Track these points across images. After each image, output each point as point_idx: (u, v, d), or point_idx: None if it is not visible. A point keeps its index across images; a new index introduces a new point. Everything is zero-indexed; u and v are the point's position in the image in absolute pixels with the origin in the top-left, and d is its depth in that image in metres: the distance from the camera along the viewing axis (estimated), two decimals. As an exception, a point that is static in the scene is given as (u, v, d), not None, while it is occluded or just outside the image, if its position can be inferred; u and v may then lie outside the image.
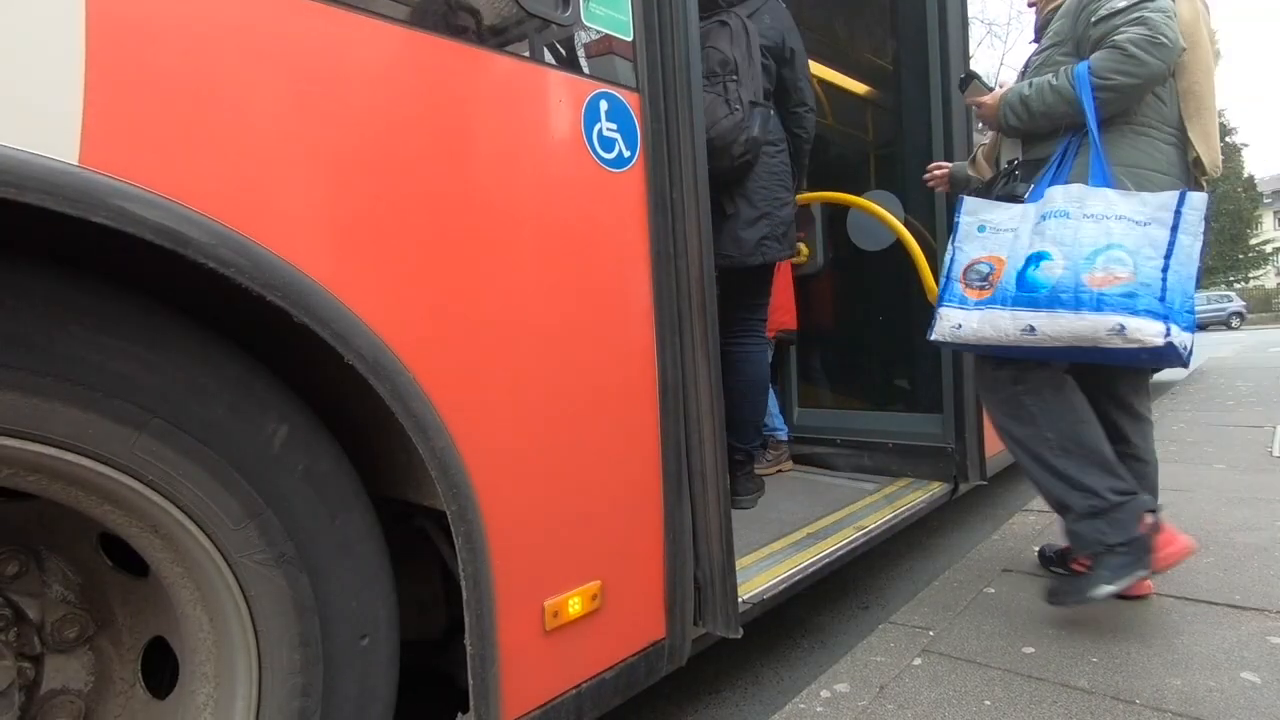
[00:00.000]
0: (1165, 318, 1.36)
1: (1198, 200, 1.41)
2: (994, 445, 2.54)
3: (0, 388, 0.66)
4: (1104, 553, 1.53)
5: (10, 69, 0.64)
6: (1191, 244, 1.41)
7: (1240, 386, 5.81)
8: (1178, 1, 1.56)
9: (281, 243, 0.80)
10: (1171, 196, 1.43)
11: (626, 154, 1.24)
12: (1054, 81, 1.59)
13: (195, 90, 0.75)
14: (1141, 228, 1.43)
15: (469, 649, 0.98)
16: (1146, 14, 1.46)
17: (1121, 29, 1.49)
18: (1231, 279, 28.91)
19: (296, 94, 0.83)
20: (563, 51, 1.15)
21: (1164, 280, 1.39)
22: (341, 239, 0.87)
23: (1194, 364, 7.74)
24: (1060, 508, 1.62)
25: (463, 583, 0.97)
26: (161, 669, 0.90)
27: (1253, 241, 29.14)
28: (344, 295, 0.85)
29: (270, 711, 0.84)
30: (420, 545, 1.14)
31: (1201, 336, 15.90)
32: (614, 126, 1.22)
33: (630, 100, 1.25)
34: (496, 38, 1.06)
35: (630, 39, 1.25)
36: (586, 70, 1.19)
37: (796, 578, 1.69)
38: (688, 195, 1.31)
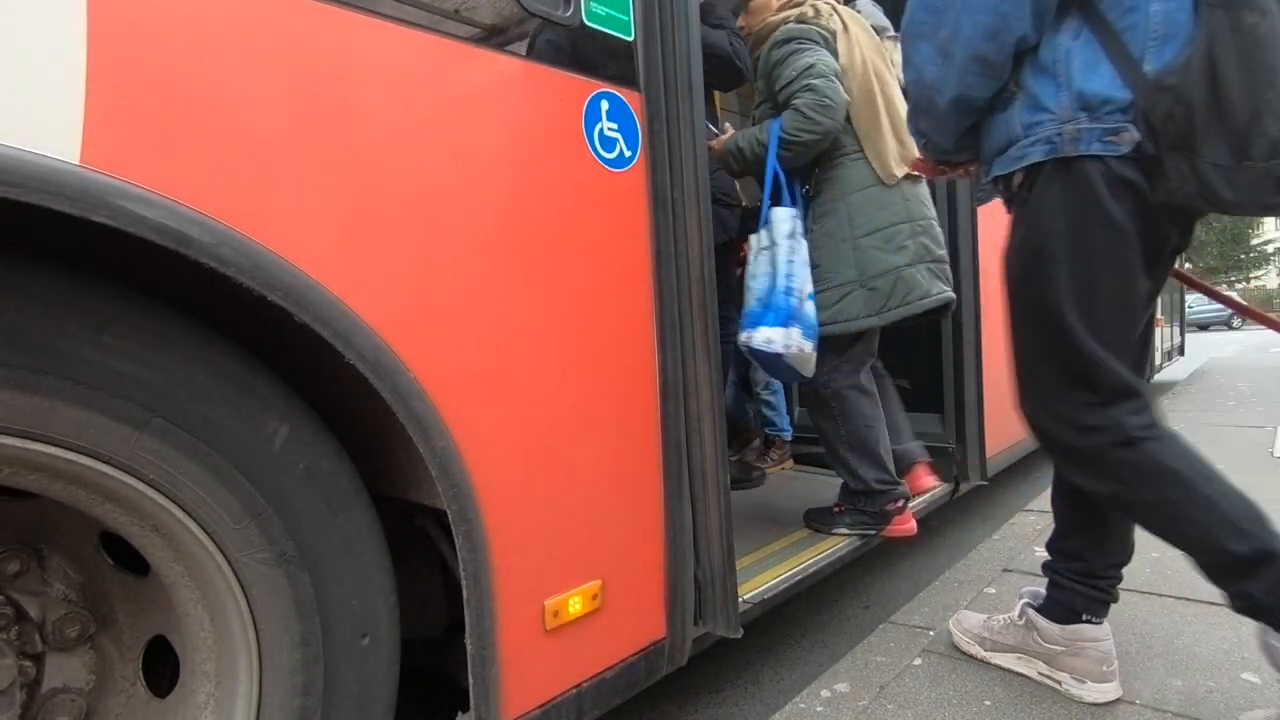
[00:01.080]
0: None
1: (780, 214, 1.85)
2: (995, 445, 2.55)
3: (1, 386, 0.66)
4: (854, 510, 2.01)
5: (11, 69, 0.64)
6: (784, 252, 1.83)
7: (1241, 387, 5.81)
8: (842, 47, 1.90)
9: (282, 242, 0.80)
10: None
11: (627, 154, 1.24)
12: (759, 135, 1.91)
13: (196, 90, 0.75)
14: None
15: (469, 648, 0.99)
16: (811, 82, 1.79)
17: (797, 95, 1.81)
18: (1233, 279, 28.88)
19: (297, 93, 0.83)
20: (564, 51, 1.15)
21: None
22: (342, 239, 0.87)
23: (1196, 364, 7.75)
24: (843, 476, 2.05)
25: (463, 582, 0.98)
26: (162, 668, 0.90)
27: (1254, 241, 29.12)
28: (345, 295, 0.85)
29: (271, 710, 0.85)
30: (421, 544, 1.14)
31: (1203, 336, 15.88)
32: (615, 126, 1.22)
33: (631, 100, 1.25)
34: (497, 37, 1.06)
35: (631, 39, 1.25)
36: (588, 70, 1.19)
37: (797, 578, 1.69)
38: (688, 195, 1.31)
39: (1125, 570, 1.38)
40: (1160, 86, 1.01)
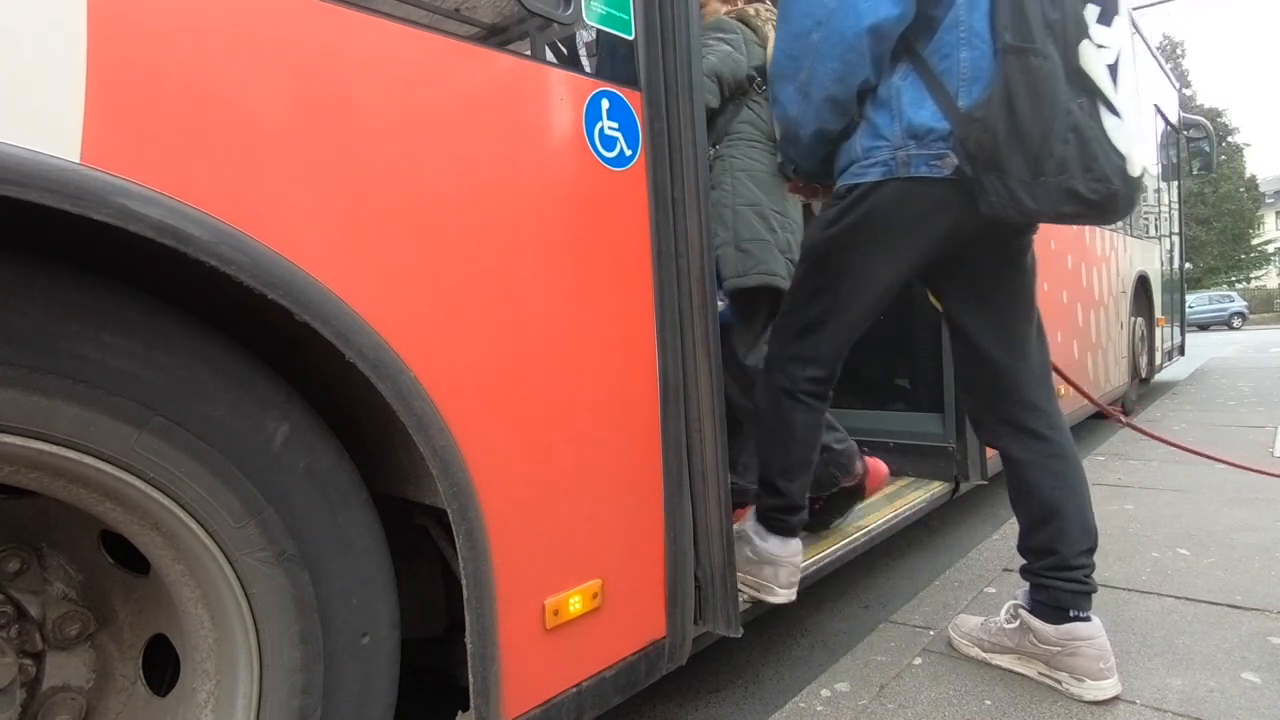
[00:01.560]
0: None
1: None
2: (995, 445, 2.54)
3: (2, 385, 0.66)
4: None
5: (12, 67, 0.64)
6: None
7: (1242, 387, 5.81)
8: (770, 43, 1.94)
9: (282, 240, 0.80)
10: None
11: (628, 152, 1.24)
12: None
13: (196, 88, 0.75)
14: None
15: (469, 647, 0.98)
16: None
17: None
18: (1233, 279, 28.81)
19: (298, 92, 0.83)
20: (564, 50, 1.15)
21: None
22: (342, 237, 0.87)
23: (1196, 364, 7.73)
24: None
25: (463, 581, 0.97)
26: (163, 666, 0.90)
27: (1254, 241, 29.04)
28: (345, 293, 0.85)
29: (271, 709, 0.84)
30: (421, 543, 1.14)
31: (1203, 337, 15.87)
32: (615, 125, 1.22)
33: (632, 99, 1.25)
34: (498, 36, 1.06)
35: (632, 37, 1.25)
36: (588, 69, 1.19)
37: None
38: (689, 193, 1.31)
39: (1125, 570, 1.40)
40: (971, 119, 1.22)
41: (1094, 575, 1.41)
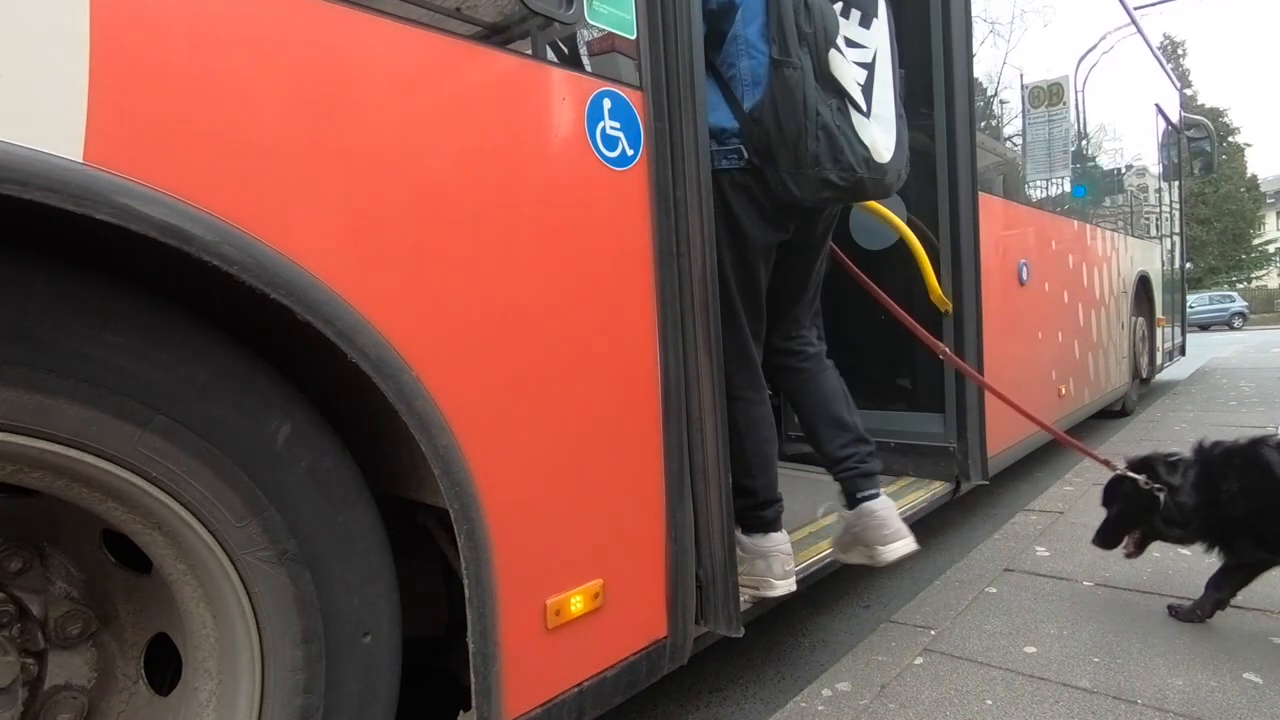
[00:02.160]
0: None
1: None
2: (996, 445, 2.54)
3: (3, 384, 0.66)
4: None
5: (14, 66, 0.64)
6: None
7: (1243, 387, 5.80)
8: None
9: (284, 240, 0.80)
10: None
11: (630, 152, 1.24)
12: None
13: (198, 88, 0.75)
14: None
15: (471, 647, 0.98)
16: None
17: None
18: (1234, 279, 28.76)
19: (300, 91, 0.83)
20: (566, 49, 1.15)
21: None
22: (344, 237, 0.87)
23: (1197, 364, 7.73)
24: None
25: (465, 580, 0.97)
26: (164, 666, 0.90)
27: (1255, 241, 29.01)
28: (347, 293, 0.85)
29: (273, 708, 0.85)
30: (423, 543, 1.14)
31: (1204, 337, 15.86)
32: (617, 125, 1.22)
33: (633, 98, 1.25)
34: (500, 35, 1.06)
35: (633, 37, 1.25)
36: (590, 68, 1.19)
37: (798, 577, 1.69)
38: (690, 193, 1.31)
39: (1127, 571, 1.40)
40: (753, 120, 1.41)
41: (867, 461, 1.64)
